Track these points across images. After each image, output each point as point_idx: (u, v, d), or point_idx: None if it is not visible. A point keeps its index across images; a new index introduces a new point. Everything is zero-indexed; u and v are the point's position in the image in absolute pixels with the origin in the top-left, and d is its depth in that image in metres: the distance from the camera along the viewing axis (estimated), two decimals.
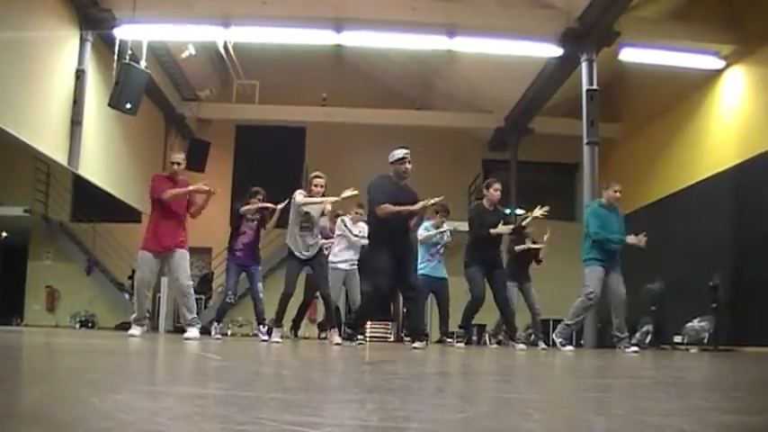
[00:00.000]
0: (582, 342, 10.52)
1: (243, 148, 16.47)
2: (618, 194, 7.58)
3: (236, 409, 1.36)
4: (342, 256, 7.97)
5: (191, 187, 6.82)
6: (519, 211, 12.15)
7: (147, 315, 6.86)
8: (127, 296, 15.56)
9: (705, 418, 1.52)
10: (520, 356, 5.59)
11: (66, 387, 1.75)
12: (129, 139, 12.62)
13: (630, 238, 7.49)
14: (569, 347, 7.50)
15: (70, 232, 16.03)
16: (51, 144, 10.15)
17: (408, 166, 6.45)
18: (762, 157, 9.70)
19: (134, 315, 6.90)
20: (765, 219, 9.53)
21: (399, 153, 6.47)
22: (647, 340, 10.79)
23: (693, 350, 9.59)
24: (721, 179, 10.69)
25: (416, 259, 6.96)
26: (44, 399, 1.46)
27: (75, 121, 10.49)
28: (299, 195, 7.06)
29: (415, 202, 6.38)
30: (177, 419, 1.17)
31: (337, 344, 6.86)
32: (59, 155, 10.38)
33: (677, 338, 10.48)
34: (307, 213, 7.11)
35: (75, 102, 10.49)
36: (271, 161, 15.15)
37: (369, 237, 7.06)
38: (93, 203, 14.88)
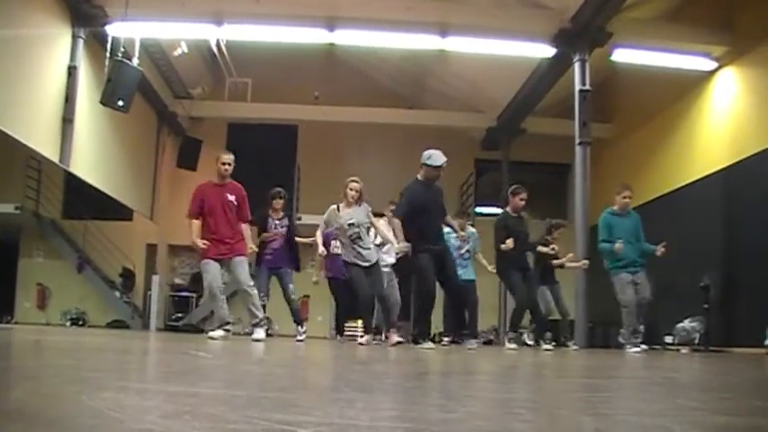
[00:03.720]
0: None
1: (235, 146, 16.28)
2: (626, 200, 7.80)
3: (226, 407, 1.35)
4: None
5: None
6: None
7: (230, 320, 6.78)
8: (118, 294, 15.51)
9: (695, 418, 1.52)
10: (513, 357, 5.60)
11: (56, 384, 1.74)
12: (120, 136, 12.58)
13: (617, 245, 7.49)
14: (635, 349, 7.47)
15: (61, 230, 15.96)
16: (43, 141, 10.11)
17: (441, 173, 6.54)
18: (753, 159, 9.74)
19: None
20: (756, 220, 9.58)
21: (439, 160, 6.38)
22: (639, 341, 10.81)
23: (684, 350, 9.62)
24: (713, 180, 10.73)
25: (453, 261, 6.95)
26: (33, 396, 1.45)
27: (67, 119, 10.45)
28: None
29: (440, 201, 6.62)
30: (167, 418, 1.17)
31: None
32: (51, 152, 10.34)
33: (668, 339, 10.51)
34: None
35: (66, 99, 10.45)
36: (263, 159, 15.11)
37: (407, 240, 6.55)
38: (85, 201, 14.81)
